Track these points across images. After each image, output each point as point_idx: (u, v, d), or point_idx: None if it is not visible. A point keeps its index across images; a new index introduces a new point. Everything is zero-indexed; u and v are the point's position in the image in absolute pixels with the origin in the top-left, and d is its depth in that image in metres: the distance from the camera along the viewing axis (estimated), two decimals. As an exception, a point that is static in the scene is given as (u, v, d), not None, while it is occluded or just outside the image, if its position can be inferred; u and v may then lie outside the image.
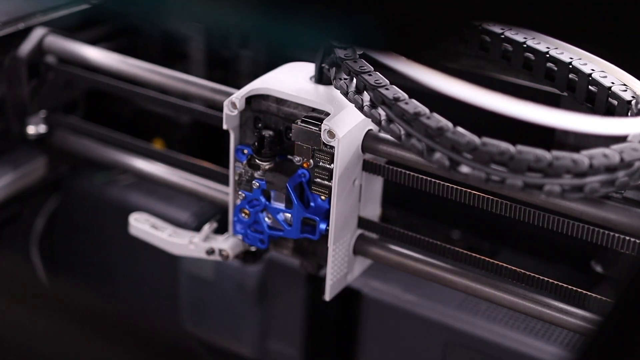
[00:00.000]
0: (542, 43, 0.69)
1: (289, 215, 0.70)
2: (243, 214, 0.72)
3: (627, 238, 0.62)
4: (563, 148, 0.65)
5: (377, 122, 0.63)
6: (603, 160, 0.56)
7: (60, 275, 1.05)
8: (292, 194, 0.69)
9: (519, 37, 0.69)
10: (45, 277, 1.02)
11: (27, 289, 0.42)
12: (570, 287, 0.66)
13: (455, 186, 0.66)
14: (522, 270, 0.68)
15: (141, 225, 0.78)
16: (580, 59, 0.67)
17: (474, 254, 0.69)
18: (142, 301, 1.03)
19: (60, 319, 0.39)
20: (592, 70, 0.66)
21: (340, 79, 0.66)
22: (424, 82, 0.56)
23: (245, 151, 0.71)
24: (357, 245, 0.74)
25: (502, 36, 0.70)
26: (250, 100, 0.70)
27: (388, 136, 0.63)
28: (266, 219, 0.72)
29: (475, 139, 0.57)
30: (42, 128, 0.92)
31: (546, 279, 0.67)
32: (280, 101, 0.69)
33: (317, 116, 0.68)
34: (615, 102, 0.64)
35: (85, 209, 1.02)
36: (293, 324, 0.96)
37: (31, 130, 0.91)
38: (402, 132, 0.60)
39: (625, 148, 0.57)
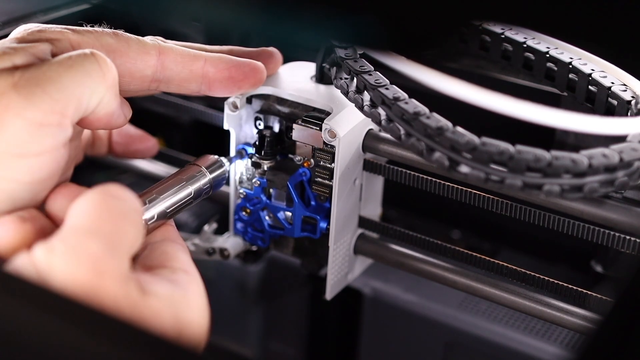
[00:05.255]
0: (542, 43, 0.69)
1: (289, 213, 0.71)
2: (244, 213, 0.73)
3: (627, 237, 0.62)
4: (563, 148, 0.65)
5: (377, 121, 0.63)
6: (602, 160, 0.56)
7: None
8: (293, 192, 0.69)
9: (519, 37, 0.70)
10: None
11: (27, 289, 0.42)
12: (570, 286, 0.66)
13: (455, 186, 0.66)
14: (523, 270, 0.68)
15: (141, 224, 0.78)
16: (580, 59, 0.67)
17: (474, 254, 0.69)
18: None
19: (61, 318, 0.39)
20: (592, 70, 0.66)
21: (341, 79, 0.66)
22: (424, 82, 0.56)
23: (247, 150, 0.71)
24: (358, 245, 0.74)
25: (502, 36, 0.70)
26: (250, 99, 0.70)
27: (388, 136, 0.63)
28: (267, 218, 0.72)
29: (474, 138, 0.57)
30: (42, 128, 0.92)
31: (546, 278, 0.67)
32: (280, 101, 0.69)
33: (317, 116, 0.68)
34: (615, 102, 0.64)
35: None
36: (293, 323, 0.96)
37: (32, 130, 0.91)
38: (402, 131, 0.61)
39: (625, 148, 0.57)
